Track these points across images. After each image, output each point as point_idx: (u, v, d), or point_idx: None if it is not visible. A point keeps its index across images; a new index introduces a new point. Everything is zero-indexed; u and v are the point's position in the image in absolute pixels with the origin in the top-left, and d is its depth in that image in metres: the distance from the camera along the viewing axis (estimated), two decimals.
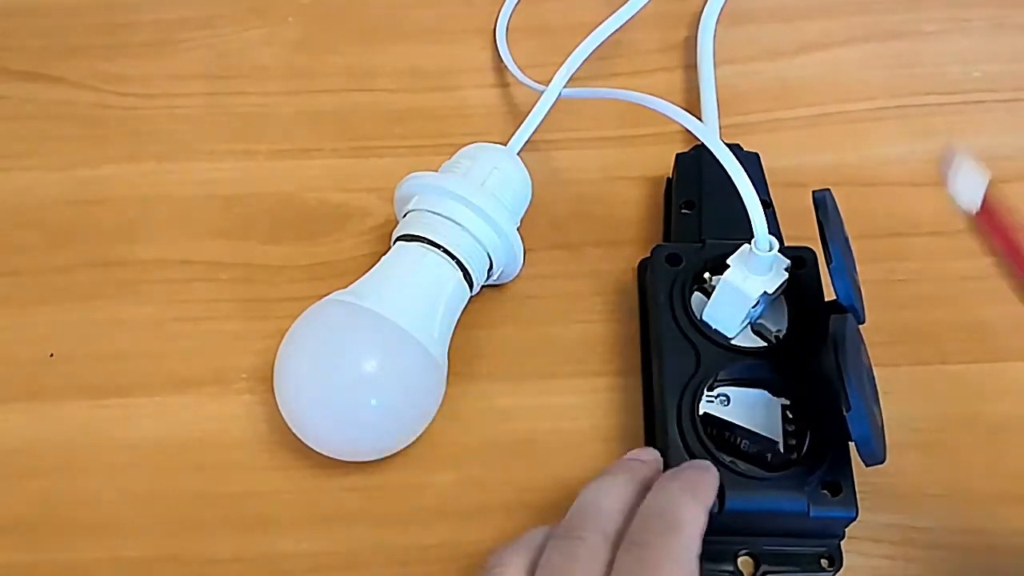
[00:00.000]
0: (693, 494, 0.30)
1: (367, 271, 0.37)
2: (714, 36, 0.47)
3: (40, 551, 0.35)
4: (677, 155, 0.42)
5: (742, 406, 0.34)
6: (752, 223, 0.34)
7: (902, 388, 0.38)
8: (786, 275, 0.35)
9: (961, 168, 0.27)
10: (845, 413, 0.30)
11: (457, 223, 0.37)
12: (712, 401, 0.34)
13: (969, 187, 0.27)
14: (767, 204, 0.39)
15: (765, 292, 0.34)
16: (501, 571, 0.29)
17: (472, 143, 0.40)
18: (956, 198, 0.27)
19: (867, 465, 0.30)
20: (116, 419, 0.38)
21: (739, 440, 0.34)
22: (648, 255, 0.38)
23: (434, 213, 0.37)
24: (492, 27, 0.49)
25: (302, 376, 0.35)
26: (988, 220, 0.26)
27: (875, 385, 0.33)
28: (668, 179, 0.43)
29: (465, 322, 0.38)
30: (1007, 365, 0.39)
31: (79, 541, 0.35)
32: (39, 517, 0.36)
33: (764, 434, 0.34)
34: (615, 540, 0.29)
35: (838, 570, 0.33)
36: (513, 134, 0.41)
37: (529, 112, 0.42)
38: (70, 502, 0.36)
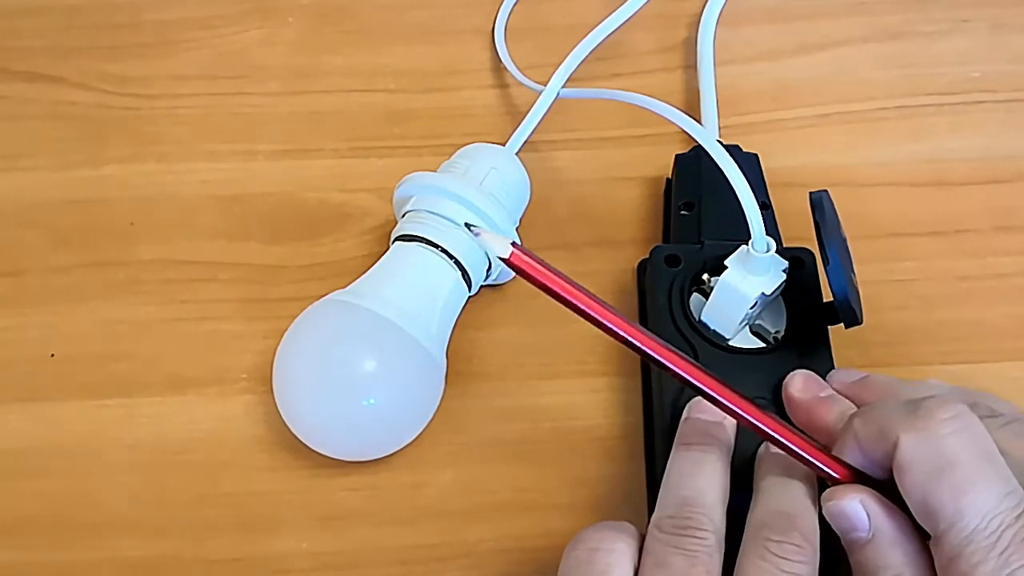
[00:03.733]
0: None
1: (367, 271, 0.37)
2: (714, 36, 0.47)
3: (40, 551, 0.35)
4: (676, 156, 0.42)
5: None
6: (749, 224, 0.34)
7: None
8: (784, 276, 0.35)
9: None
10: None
11: (456, 223, 0.37)
12: None
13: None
14: (766, 205, 0.39)
15: (763, 293, 0.34)
16: (606, 555, 0.28)
17: (471, 143, 0.40)
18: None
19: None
20: (116, 419, 0.38)
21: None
22: (647, 256, 0.38)
23: (433, 213, 0.37)
24: (491, 27, 0.49)
25: (302, 376, 0.35)
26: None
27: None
28: (667, 179, 0.43)
29: (464, 322, 0.38)
30: (1007, 365, 0.39)
31: (79, 541, 0.36)
32: (39, 517, 0.36)
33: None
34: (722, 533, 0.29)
35: (838, 568, 0.33)
36: (512, 134, 0.41)
37: (528, 112, 0.42)
38: (70, 502, 0.36)
